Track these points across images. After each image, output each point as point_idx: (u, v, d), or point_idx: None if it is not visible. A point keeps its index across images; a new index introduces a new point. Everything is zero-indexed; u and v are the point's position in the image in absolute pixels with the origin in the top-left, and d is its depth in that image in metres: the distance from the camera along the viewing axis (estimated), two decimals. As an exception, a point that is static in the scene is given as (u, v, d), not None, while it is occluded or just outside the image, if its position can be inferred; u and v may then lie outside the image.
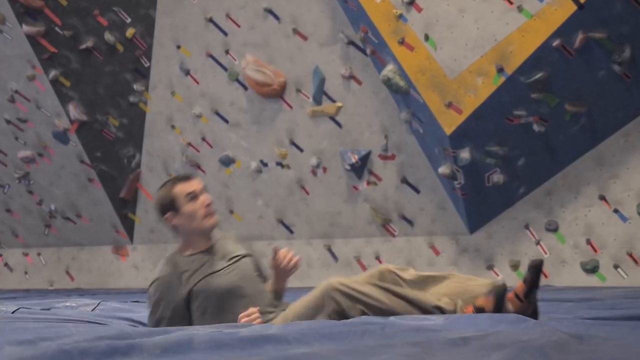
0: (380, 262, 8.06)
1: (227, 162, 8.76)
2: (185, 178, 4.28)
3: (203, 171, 8.93)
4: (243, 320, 3.91)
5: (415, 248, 7.95)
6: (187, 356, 2.66)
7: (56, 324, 3.67)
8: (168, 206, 4.21)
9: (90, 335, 3.00)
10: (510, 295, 3.90)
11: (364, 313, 3.84)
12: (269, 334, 3.07)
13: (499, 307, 3.80)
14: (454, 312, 3.88)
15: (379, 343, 2.89)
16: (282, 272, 4.27)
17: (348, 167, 8.02)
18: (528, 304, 3.85)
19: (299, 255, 4.37)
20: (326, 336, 3.06)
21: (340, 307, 3.87)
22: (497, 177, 7.12)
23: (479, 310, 3.83)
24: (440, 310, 3.86)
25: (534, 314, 3.84)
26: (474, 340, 2.95)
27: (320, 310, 3.91)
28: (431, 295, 3.98)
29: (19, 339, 2.86)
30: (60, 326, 3.59)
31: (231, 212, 8.90)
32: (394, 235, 8.03)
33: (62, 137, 9.43)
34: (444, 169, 7.20)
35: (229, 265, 4.17)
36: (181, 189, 4.18)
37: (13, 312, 4.64)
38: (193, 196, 4.17)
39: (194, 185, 4.21)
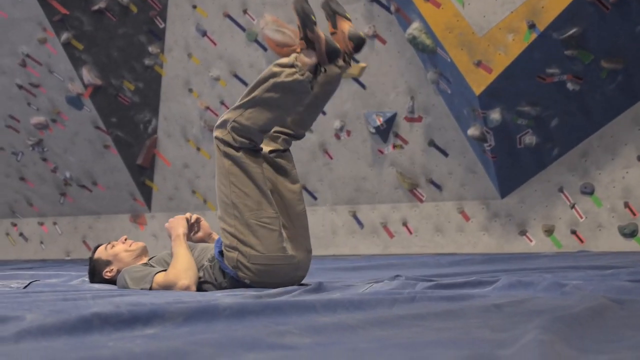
0: (407, 228, 7.86)
1: (247, 126, 8.53)
2: None
3: (222, 136, 8.71)
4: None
5: (444, 213, 7.75)
6: (210, 324, 2.61)
7: (73, 296, 3.56)
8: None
9: (110, 304, 2.94)
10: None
11: None
12: (296, 300, 3.05)
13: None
14: (294, 58, 4.03)
15: (409, 313, 2.80)
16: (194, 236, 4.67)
17: (373, 130, 7.79)
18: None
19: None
20: (354, 304, 3.01)
21: None
22: (529, 139, 6.91)
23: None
24: (284, 66, 4.02)
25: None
26: (507, 307, 2.93)
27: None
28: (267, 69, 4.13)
29: (38, 309, 2.81)
30: (77, 297, 3.51)
31: (252, 178, 8.69)
32: (421, 201, 7.83)
33: (76, 102, 9.24)
34: (473, 131, 6.99)
35: None
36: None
37: (25, 287, 4.66)
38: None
39: None
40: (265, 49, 8.16)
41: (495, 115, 6.77)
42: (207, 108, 8.74)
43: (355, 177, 8.08)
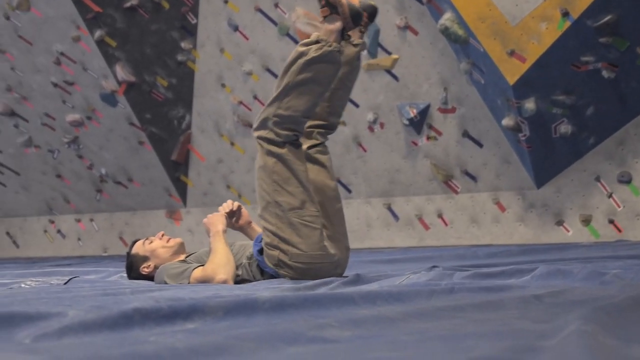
0: (443, 220, 7.82)
1: (280, 120, 8.52)
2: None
3: (255, 130, 8.72)
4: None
5: (480, 205, 7.70)
6: (250, 317, 2.63)
7: (112, 291, 3.60)
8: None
9: (150, 299, 2.96)
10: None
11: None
12: (335, 293, 3.05)
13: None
14: (317, 35, 4.08)
15: (448, 304, 2.80)
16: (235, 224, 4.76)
17: (406, 122, 7.75)
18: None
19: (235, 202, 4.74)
20: (393, 296, 3.01)
21: None
22: (565, 128, 6.84)
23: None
24: (309, 44, 4.05)
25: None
26: (547, 298, 2.90)
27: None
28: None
29: (79, 305, 2.82)
30: (117, 293, 3.55)
31: (285, 172, 8.69)
32: (456, 192, 7.79)
33: (110, 99, 9.28)
34: (507, 121, 6.94)
35: None
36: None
37: (65, 284, 4.69)
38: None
39: None
40: (297, 42, 8.14)
41: (529, 104, 6.72)
42: (240, 103, 8.75)
43: (389, 169, 8.06)
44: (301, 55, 4.06)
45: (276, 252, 4.16)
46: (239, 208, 4.72)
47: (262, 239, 4.30)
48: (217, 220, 4.52)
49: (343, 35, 4.09)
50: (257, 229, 4.77)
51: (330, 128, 4.46)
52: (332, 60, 4.07)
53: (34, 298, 3.33)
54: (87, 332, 2.34)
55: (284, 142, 4.11)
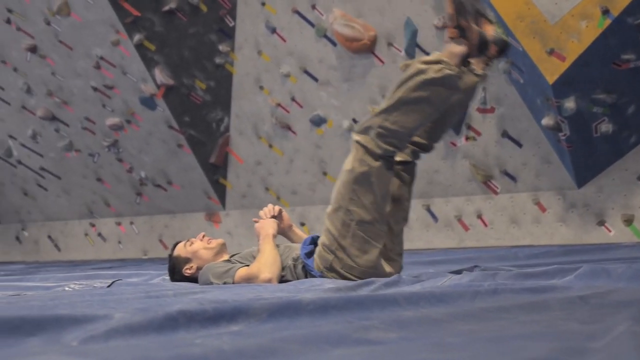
0: (482, 220, 7.78)
1: (318, 122, 8.54)
2: None
3: (294, 132, 8.74)
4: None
5: (520, 205, 7.64)
6: (294, 319, 2.64)
7: (155, 294, 3.63)
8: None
9: (194, 301, 2.97)
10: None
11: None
12: (378, 294, 3.06)
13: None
14: (440, 55, 4.01)
15: (492, 305, 2.79)
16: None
17: (445, 123, 7.69)
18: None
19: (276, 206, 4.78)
20: (437, 297, 3.00)
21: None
22: (606, 127, 6.77)
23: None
24: (430, 62, 3.98)
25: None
26: (593, 299, 2.87)
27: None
28: (411, 66, 4.07)
29: (125, 308, 2.86)
30: (160, 295, 3.58)
31: (324, 174, 8.71)
32: (496, 193, 7.74)
33: (149, 102, 9.34)
34: (547, 120, 6.88)
35: None
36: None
37: (109, 286, 4.75)
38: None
39: None
40: (334, 44, 8.15)
41: (569, 104, 6.66)
42: (278, 105, 8.76)
43: (428, 170, 8.02)
44: (420, 72, 3.96)
45: (330, 257, 4.15)
46: (280, 212, 4.72)
47: (314, 239, 4.33)
48: (268, 224, 4.54)
49: (465, 61, 3.99)
50: (299, 232, 4.79)
51: (425, 149, 4.37)
52: (450, 84, 3.98)
53: (79, 301, 3.36)
54: (133, 335, 2.36)
55: (379, 156, 4.05)
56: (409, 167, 4.34)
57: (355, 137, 4.11)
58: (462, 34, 3.94)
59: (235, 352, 1.94)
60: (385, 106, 4.05)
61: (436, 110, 4.08)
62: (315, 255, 4.24)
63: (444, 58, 3.95)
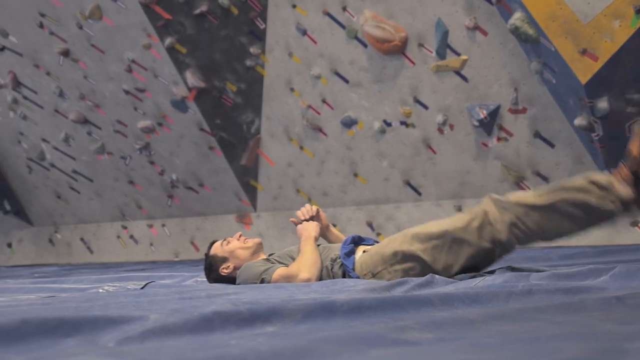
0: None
1: (349, 123, 8.53)
2: None
3: (324, 134, 8.74)
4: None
5: (552, 205, 7.55)
6: (329, 320, 2.64)
7: (188, 295, 3.63)
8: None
9: (228, 303, 2.97)
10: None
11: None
12: (412, 295, 3.05)
13: None
14: (610, 182, 3.87)
15: (527, 306, 2.77)
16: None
17: (476, 124, 7.68)
18: None
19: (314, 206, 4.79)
20: (471, 298, 2.98)
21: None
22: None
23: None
24: (597, 185, 3.86)
25: None
26: (630, 300, 2.83)
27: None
28: (578, 178, 3.97)
29: (160, 309, 2.88)
30: (193, 296, 3.58)
31: (355, 175, 8.70)
32: (528, 193, 7.68)
33: (180, 105, 9.37)
34: (580, 121, 6.82)
35: None
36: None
37: (142, 288, 4.78)
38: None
39: None
40: (365, 46, 8.13)
41: (602, 104, 6.61)
42: (309, 107, 8.76)
43: (460, 171, 8.00)
44: (584, 191, 3.87)
45: (382, 267, 4.18)
46: (318, 212, 4.73)
47: (355, 239, 4.38)
48: (311, 227, 4.57)
49: (628, 205, 3.88)
50: (335, 232, 4.81)
51: (511, 252, 4.28)
52: (605, 217, 3.92)
53: (114, 302, 3.38)
54: (169, 336, 2.37)
55: (495, 241, 4.02)
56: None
57: (487, 205, 4.04)
58: (636, 180, 3.85)
59: (272, 353, 1.95)
60: (535, 203, 3.95)
61: (579, 230, 4.01)
62: (363, 257, 4.25)
63: (614, 188, 3.84)
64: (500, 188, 7.77)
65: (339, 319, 2.64)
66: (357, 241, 4.44)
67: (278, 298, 3.22)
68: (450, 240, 4.08)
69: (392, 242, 4.24)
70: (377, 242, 4.55)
